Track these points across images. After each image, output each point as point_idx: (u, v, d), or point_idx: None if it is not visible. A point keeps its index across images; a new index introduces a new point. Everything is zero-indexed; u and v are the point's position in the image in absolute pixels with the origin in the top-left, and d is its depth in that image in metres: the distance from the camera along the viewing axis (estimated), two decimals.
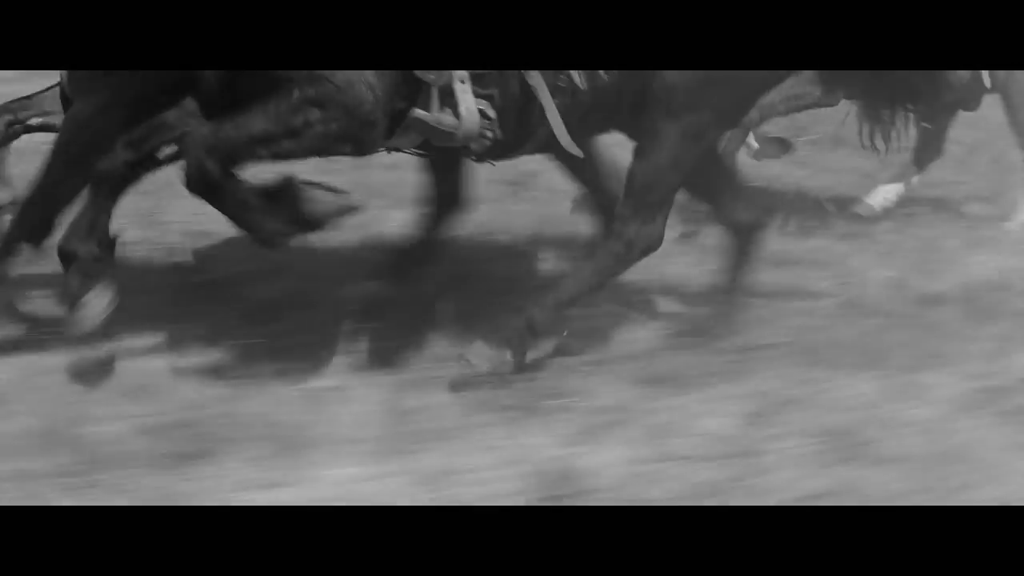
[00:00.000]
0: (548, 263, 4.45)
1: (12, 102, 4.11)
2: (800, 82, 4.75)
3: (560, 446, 3.28)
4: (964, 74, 4.86)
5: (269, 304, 3.93)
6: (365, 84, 3.39)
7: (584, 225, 4.38)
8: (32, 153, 3.94)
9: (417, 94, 3.52)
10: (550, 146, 3.79)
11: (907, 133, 4.28)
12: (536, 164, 4.40)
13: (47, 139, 3.88)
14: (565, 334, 3.79)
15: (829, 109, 4.95)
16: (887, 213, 5.11)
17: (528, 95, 3.60)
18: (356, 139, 3.46)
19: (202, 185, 3.38)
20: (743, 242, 4.05)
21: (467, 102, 3.55)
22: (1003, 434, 3.41)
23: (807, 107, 5.03)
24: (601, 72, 3.61)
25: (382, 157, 3.85)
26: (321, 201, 3.48)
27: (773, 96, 4.61)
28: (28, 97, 4.12)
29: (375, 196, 4.36)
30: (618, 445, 3.29)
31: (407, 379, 3.60)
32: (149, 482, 3.04)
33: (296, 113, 3.37)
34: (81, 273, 3.53)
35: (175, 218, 4.46)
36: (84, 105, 3.79)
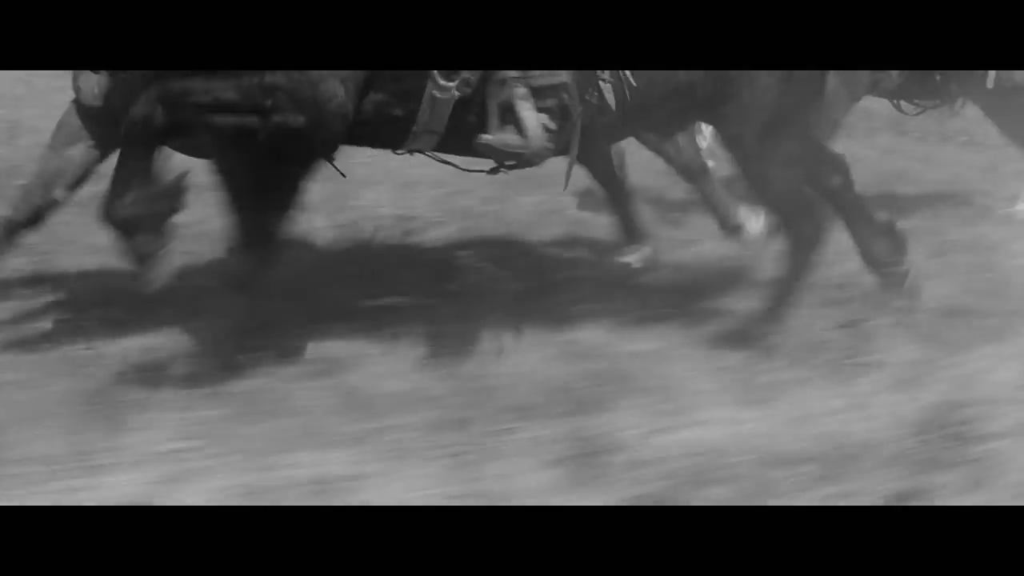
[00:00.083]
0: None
1: None
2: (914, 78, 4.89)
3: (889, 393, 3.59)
4: None
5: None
6: (337, 81, 3.36)
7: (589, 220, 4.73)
8: None
9: (420, 98, 3.48)
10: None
11: None
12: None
13: None
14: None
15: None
16: None
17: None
18: (315, 137, 3.41)
19: (140, 131, 3.35)
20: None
21: (530, 119, 3.48)
22: None
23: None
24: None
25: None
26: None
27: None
28: None
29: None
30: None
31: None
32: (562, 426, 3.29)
33: (266, 94, 3.33)
34: (146, 232, 3.42)
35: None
36: None
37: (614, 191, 4.60)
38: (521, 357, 3.72)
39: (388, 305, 4.12)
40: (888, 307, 4.05)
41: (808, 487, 3.03)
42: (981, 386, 3.54)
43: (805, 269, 3.93)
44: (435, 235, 5.00)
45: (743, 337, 3.86)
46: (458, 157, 3.75)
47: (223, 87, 3.34)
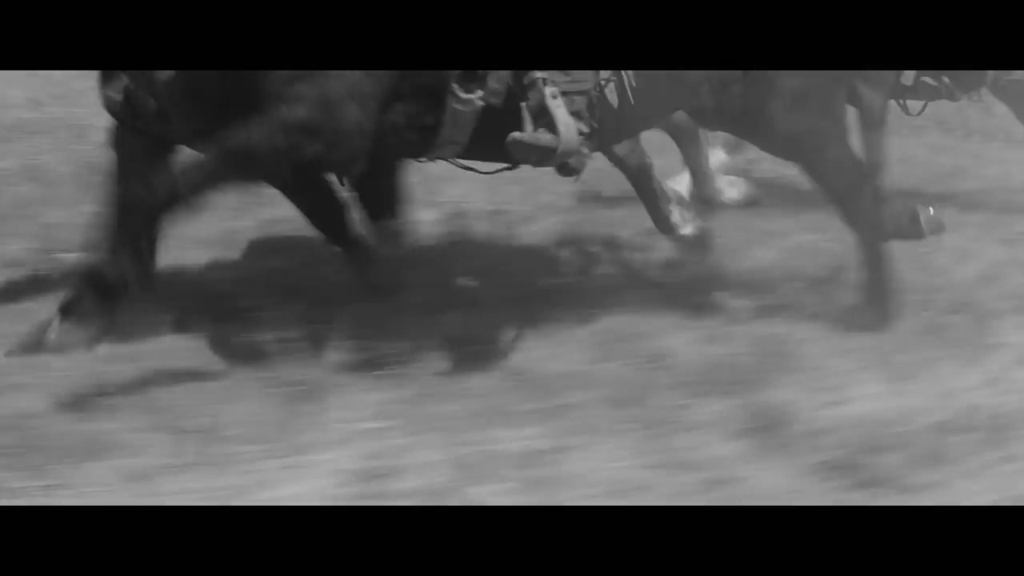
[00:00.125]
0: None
1: None
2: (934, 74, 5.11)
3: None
4: None
5: None
6: (354, 104, 3.39)
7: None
8: None
9: (443, 107, 3.54)
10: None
11: None
12: None
13: None
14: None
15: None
16: None
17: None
18: (338, 164, 3.50)
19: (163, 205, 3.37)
20: None
21: (563, 117, 3.52)
22: None
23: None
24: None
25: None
26: None
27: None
28: None
29: None
30: None
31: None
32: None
33: (281, 134, 3.35)
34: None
35: None
36: None
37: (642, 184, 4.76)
38: (667, 340, 3.94)
39: (524, 293, 4.32)
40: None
41: (975, 452, 3.28)
42: None
43: (883, 238, 4.11)
44: (534, 227, 5.20)
45: (866, 319, 4.10)
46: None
47: (235, 149, 3.39)
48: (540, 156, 3.55)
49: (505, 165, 3.79)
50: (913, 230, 4.49)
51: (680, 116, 4.75)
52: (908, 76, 5.37)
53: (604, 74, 3.67)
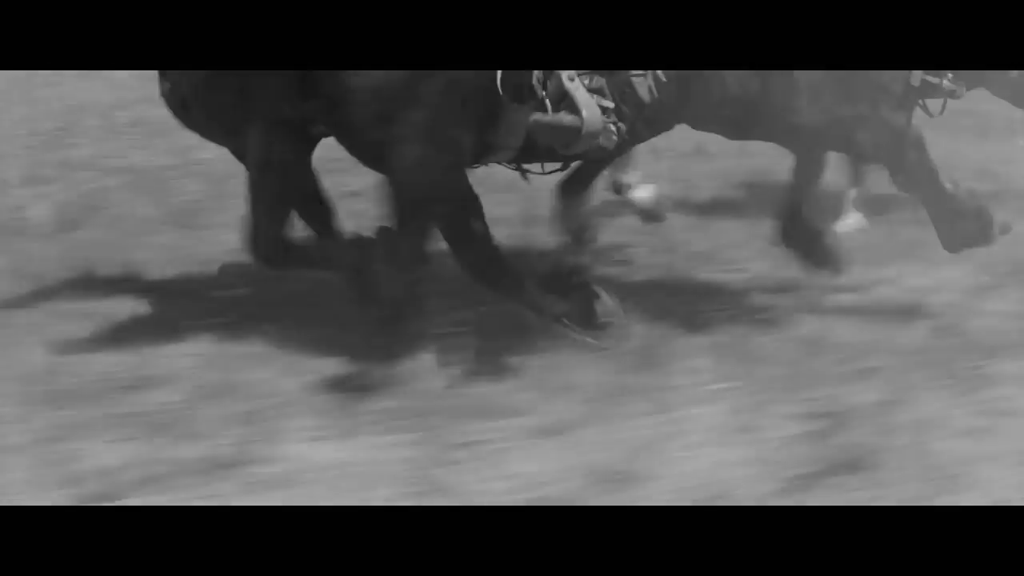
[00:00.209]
0: None
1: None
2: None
3: None
4: None
5: None
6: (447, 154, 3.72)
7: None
8: None
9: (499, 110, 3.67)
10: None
11: None
12: None
13: None
14: None
15: None
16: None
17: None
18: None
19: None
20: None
21: (583, 97, 3.58)
22: None
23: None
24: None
25: None
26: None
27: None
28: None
29: None
30: None
31: None
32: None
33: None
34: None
35: None
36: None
37: None
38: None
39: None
40: None
41: None
42: None
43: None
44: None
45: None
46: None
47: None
48: (565, 137, 3.62)
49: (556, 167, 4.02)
50: (983, 235, 4.29)
51: None
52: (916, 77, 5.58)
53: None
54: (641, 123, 3.89)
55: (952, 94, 4.89)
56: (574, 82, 3.56)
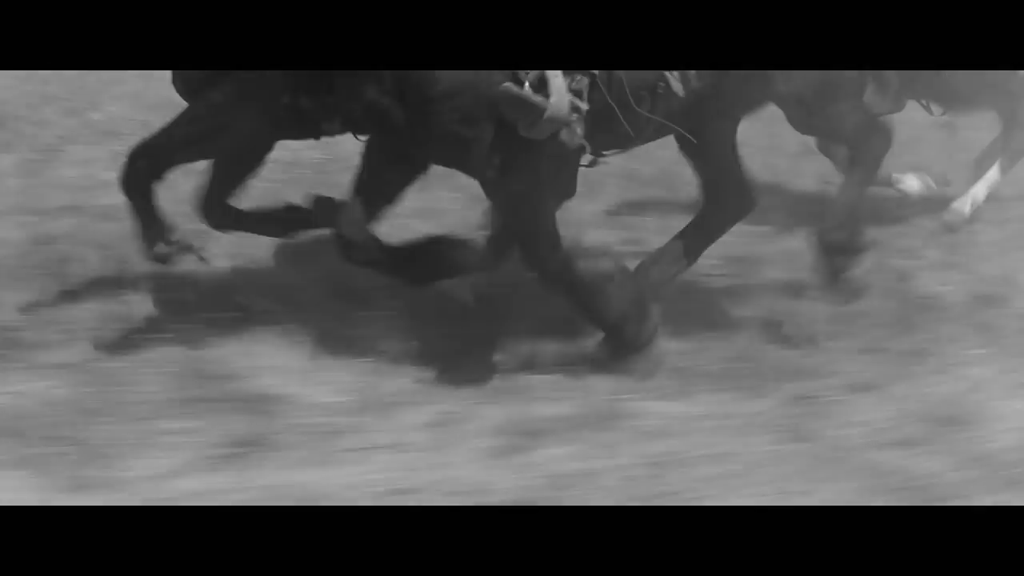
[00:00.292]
0: None
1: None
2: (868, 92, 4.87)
3: None
4: None
5: None
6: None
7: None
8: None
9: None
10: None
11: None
12: None
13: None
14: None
15: None
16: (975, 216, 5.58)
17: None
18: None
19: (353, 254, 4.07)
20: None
21: (558, 85, 3.68)
22: None
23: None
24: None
25: None
26: (457, 251, 4.10)
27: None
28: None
29: None
30: None
31: None
32: None
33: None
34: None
35: None
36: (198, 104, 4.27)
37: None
38: None
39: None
40: None
41: None
42: None
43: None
44: None
45: None
46: None
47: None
48: (528, 115, 3.69)
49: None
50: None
51: None
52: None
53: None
54: (676, 116, 4.07)
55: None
56: (555, 71, 3.70)
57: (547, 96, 3.65)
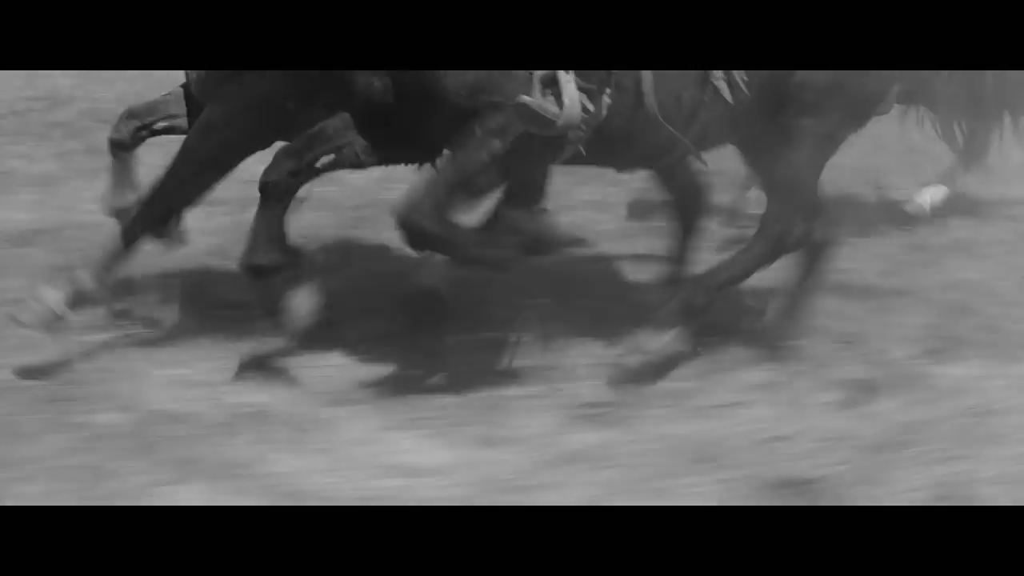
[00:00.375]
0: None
1: (138, 106, 4.31)
2: None
3: None
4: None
5: None
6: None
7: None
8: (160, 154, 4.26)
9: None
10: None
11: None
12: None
13: (173, 140, 4.21)
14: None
15: None
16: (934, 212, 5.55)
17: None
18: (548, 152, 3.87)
19: (423, 242, 3.88)
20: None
21: (571, 91, 3.70)
22: None
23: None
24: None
25: None
26: (535, 227, 4.05)
27: None
28: (153, 101, 4.30)
29: None
30: None
31: None
32: None
33: (481, 149, 3.76)
34: (272, 283, 3.87)
35: None
36: (214, 110, 4.06)
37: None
38: None
39: None
40: None
41: None
42: None
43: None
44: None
45: None
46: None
47: (449, 172, 3.86)
48: (541, 124, 3.73)
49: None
50: None
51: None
52: None
53: (716, 72, 3.91)
54: (727, 125, 4.03)
55: None
56: (568, 75, 3.73)
57: (560, 103, 3.71)
